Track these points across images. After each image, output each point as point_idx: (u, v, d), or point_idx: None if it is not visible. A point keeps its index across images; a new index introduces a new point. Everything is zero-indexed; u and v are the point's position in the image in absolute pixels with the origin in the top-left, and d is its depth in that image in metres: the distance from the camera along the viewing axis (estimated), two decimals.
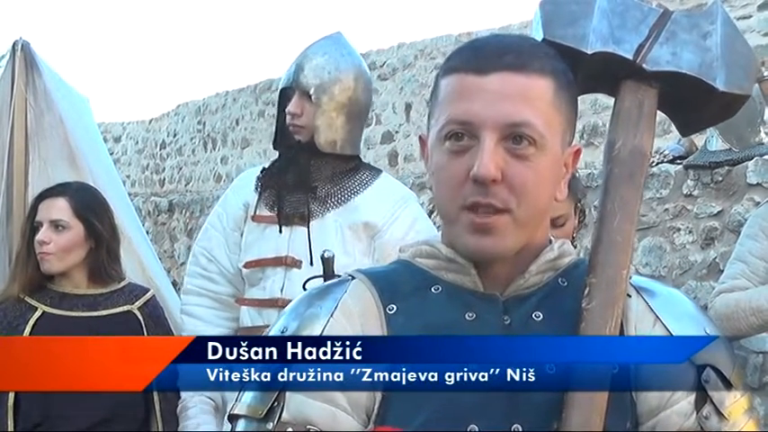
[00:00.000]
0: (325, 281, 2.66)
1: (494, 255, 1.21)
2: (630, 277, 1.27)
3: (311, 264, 2.75)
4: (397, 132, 9.28)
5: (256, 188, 2.87)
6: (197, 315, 2.88)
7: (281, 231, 2.80)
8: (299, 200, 2.82)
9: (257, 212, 2.85)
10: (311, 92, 2.82)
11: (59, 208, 2.85)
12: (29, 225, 2.86)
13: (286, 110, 2.85)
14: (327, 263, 2.61)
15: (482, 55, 1.20)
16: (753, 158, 4.35)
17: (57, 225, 2.82)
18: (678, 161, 4.91)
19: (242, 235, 2.88)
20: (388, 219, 2.82)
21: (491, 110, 1.17)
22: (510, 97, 1.18)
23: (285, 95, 2.91)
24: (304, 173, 2.83)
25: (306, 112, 2.82)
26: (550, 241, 1.29)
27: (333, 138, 2.85)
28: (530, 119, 1.18)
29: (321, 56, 2.87)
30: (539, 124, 1.18)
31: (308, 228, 2.78)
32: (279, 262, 2.78)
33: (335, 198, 2.83)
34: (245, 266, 2.83)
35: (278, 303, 2.75)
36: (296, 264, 2.76)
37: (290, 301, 2.81)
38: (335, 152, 2.85)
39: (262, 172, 2.91)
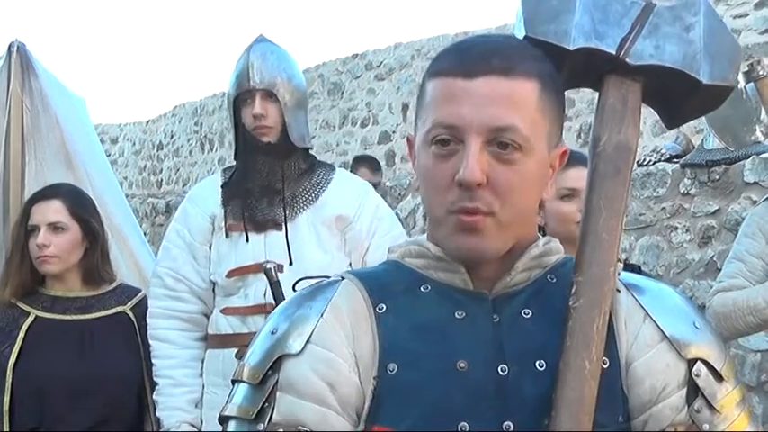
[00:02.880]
0: (272, 291, 2.71)
1: (480, 254, 1.21)
2: (619, 274, 1.27)
3: (290, 264, 2.75)
4: (394, 132, 9.29)
5: (222, 201, 2.85)
6: (168, 339, 2.84)
7: (247, 240, 2.79)
8: (268, 205, 2.82)
9: (229, 224, 2.83)
10: (274, 90, 2.82)
11: (56, 210, 2.83)
12: (22, 229, 2.83)
13: (250, 113, 2.82)
14: (270, 274, 2.65)
15: (469, 58, 1.19)
16: (750, 157, 4.35)
17: (55, 227, 2.80)
18: (675, 160, 4.91)
19: (210, 248, 2.86)
20: (356, 210, 2.85)
21: (477, 114, 1.17)
22: (496, 101, 1.17)
23: (238, 105, 2.87)
24: (268, 178, 2.83)
25: (270, 113, 2.82)
26: (538, 238, 1.29)
27: (302, 133, 2.89)
28: (515, 123, 1.17)
29: (270, 55, 2.88)
30: (524, 128, 1.17)
31: (286, 232, 2.79)
32: (260, 268, 2.75)
33: (304, 199, 2.84)
34: (227, 276, 2.81)
35: (265, 309, 2.74)
36: (278, 267, 2.74)
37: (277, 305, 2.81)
38: (305, 146, 2.90)
39: (223, 186, 2.89)
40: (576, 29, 1.27)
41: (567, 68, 1.29)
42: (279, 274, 2.72)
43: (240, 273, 2.80)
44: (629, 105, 1.28)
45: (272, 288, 2.67)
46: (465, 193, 1.17)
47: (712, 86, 1.28)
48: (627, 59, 1.27)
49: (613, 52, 1.27)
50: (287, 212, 2.81)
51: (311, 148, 2.97)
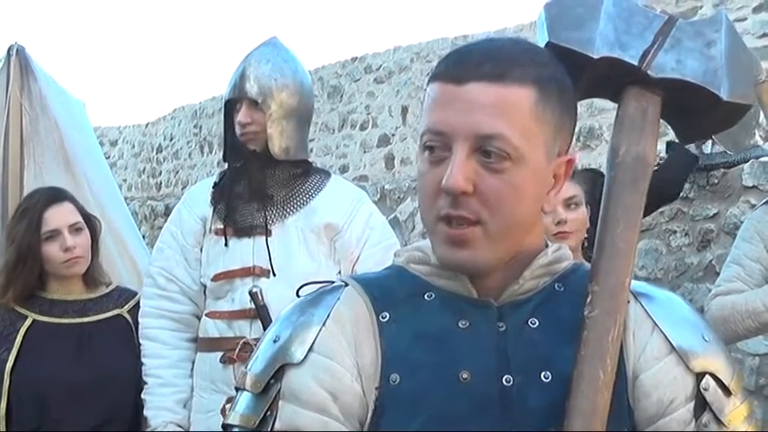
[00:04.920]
0: (259, 315, 2.70)
1: (468, 267, 1.20)
2: None
3: (274, 274, 2.75)
4: (393, 135, 9.28)
5: (211, 203, 2.86)
6: (159, 338, 2.85)
7: (226, 245, 2.79)
8: (257, 210, 2.81)
9: (216, 226, 2.84)
10: (259, 100, 2.81)
11: (71, 211, 2.85)
12: (36, 236, 2.80)
13: (236, 121, 2.83)
14: (255, 297, 2.67)
15: (462, 63, 1.18)
16: (748, 161, 4.35)
17: (75, 228, 2.82)
18: None
19: (201, 250, 2.86)
20: (347, 218, 2.84)
21: (463, 120, 1.15)
22: (483, 108, 1.15)
23: (231, 107, 2.88)
24: (258, 182, 2.83)
25: (256, 121, 2.81)
26: (547, 245, 1.28)
27: (286, 144, 2.85)
28: (502, 131, 1.14)
29: (265, 64, 2.86)
30: (513, 137, 1.15)
31: (266, 238, 2.78)
32: (247, 272, 2.78)
33: (293, 203, 2.83)
34: (213, 279, 2.81)
35: (249, 314, 2.74)
36: (264, 273, 2.76)
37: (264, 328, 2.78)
38: (289, 159, 2.86)
39: (214, 187, 2.89)
40: (600, 37, 1.26)
41: (587, 77, 1.28)
42: (265, 279, 2.74)
43: (226, 277, 2.80)
44: (648, 117, 1.27)
45: (258, 311, 2.68)
46: (450, 201, 1.16)
47: (730, 104, 1.27)
48: (649, 71, 1.26)
49: (636, 63, 1.26)
50: (275, 217, 2.81)
51: (300, 160, 2.91)
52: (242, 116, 2.81)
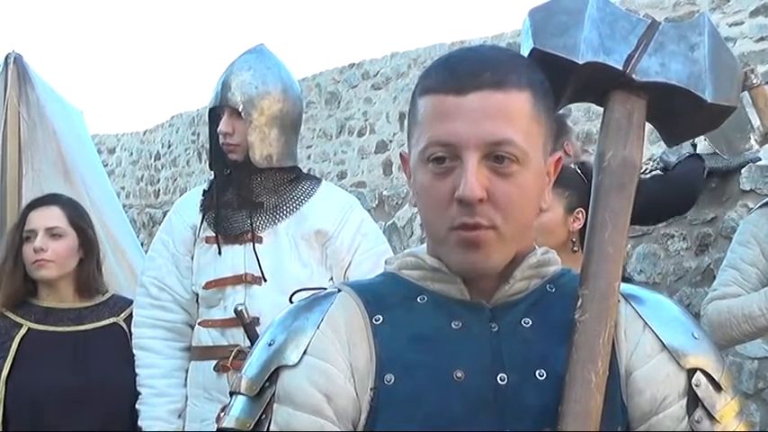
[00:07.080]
0: (245, 332, 2.60)
1: (482, 269, 1.22)
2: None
3: (264, 280, 2.75)
4: (390, 141, 9.29)
5: (200, 210, 2.85)
6: (152, 348, 2.84)
7: (219, 253, 2.79)
8: (246, 217, 2.80)
9: (206, 234, 2.83)
10: (240, 109, 2.79)
11: (55, 215, 2.83)
12: (18, 235, 2.81)
13: (218, 130, 2.82)
14: (241, 315, 2.65)
15: (459, 74, 1.19)
16: (746, 165, 4.35)
17: (53, 233, 2.80)
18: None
19: (192, 258, 2.85)
20: (337, 225, 2.82)
21: (472, 130, 1.17)
22: (490, 116, 1.17)
23: (215, 116, 2.88)
24: (245, 190, 2.82)
25: (237, 130, 2.80)
26: (535, 248, 1.29)
27: (268, 152, 2.83)
28: (511, 136, 1.17)
29: (246, 71, 2.84)
30: (520, 140, 1.18)
31: (254, 245, 2.77)
32: (239, 280, 2.77)
33: (283, 209, 2.82)
34: (204, 287, 2.80)
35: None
36: (256, 280, 2.75)
37: (254, 318, 2.67)
38: (272, 166, 2.84)
39: (203, 194, 2.89)
40: (584, 43, 1.27)
41: (573, 83, 1.30)
42: (257, 286, 2.74)
43: (218, 285, 2.79)
44: (633, 121, 1.29)
45: (244, 328, 2.67)
46: (465, 210, 1.17)
47: (715, 106, 1.29)
48: (633, 75, 1.28)
49: (620, 68, 1.28)
50: (266, 224, 2.80)
51: (289, 166, 2.90)
52: (223, 125, 2.81)
